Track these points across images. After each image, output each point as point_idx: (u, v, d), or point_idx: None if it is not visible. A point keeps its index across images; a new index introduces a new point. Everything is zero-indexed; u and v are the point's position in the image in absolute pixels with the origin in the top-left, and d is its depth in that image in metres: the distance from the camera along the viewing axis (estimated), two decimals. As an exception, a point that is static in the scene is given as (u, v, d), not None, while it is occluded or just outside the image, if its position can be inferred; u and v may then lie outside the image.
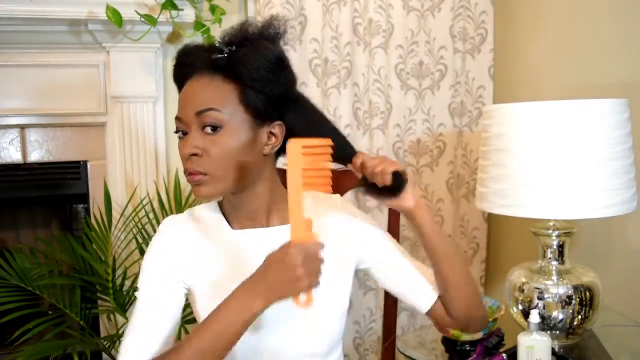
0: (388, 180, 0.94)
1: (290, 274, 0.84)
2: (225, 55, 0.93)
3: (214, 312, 0.87)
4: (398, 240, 1.25)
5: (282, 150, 0.98)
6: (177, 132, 0.96)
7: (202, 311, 0.97)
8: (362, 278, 2.03)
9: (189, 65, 0.96)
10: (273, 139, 0.96)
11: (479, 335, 1.35)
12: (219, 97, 0.91)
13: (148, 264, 0.98)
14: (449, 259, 1.02)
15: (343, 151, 0.99)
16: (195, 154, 0.91)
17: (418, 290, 1.06)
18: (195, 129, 0.92)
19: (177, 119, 0.94)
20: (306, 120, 0.98)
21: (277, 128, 0.96)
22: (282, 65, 0.93)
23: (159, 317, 0.94)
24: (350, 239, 1.06)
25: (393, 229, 1.37)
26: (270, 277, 0.85)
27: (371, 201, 1.97)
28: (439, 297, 1.05)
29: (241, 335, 0.86)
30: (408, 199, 0.97)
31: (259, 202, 0.99)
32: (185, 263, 0.98)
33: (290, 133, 0.97)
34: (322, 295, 1.00)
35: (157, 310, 0.95)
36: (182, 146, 0.93)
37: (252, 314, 0.85)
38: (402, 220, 1.69)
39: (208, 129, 0.91)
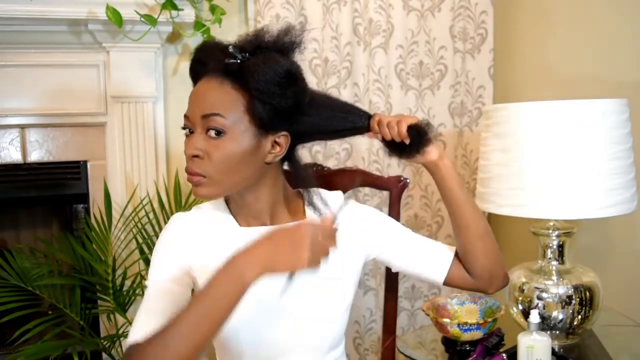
0: (404, 135, 0.98)
1: (295, 250, 0.81)
2: (238, 61, 0.92)
3: (207, 284, 0.82)
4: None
5: (286, 157, 1.00)
6: (184, 128, 0.96)
7: None
8: (362, 278, 2.03)
9: (203, 63, 0.96)
10: (277, 148, 0.96)
11: (479, 335, 1.35)
12: (226, 103, 0.91)
13: (157, 258, 0.98)
14: (469, 209, 1.06)
15: (359, 122, 1.02)
16: (196, 156, 0.92)
17: (430, 263, 1.09)
18: (200, 131, 0.93)
19: (185, 117, 0.95)
20: (313, 132, 1.00)
21: (282, 138, 0.96)
22: (291, 79, 0.92)
23: (167, 304, 0.94)
24: (356, 232, 1.07)
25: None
26: (271, 249, 0.82)
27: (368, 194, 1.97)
28: (460, 261, 1.09)
29: (235, 307, 0.81)
30: (431, 152, 1.02)
31: (261, 203, 1.01)
32: (193, 256, 0.98)
33: (296, 142, 0.98)
34: (328, 289, 1.02)
35: (165, 298, 0.95)
36: (187, 145, 0.94)
37: (244, 285, 0.81)
38: (402, 215, 1.69)
39: (212, 133, 0.91)
